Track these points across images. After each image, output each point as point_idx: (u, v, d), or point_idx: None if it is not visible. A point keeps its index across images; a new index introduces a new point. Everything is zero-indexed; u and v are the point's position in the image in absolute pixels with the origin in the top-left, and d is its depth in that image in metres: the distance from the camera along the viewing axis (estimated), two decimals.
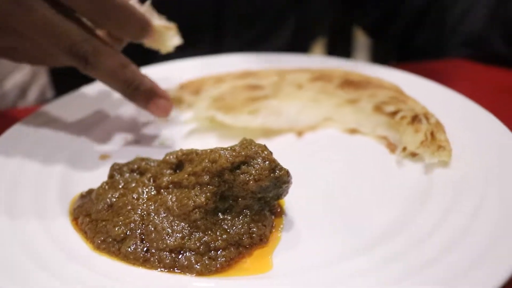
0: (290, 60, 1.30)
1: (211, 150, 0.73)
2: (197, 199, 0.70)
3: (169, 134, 1.05)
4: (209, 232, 0.70)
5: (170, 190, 0.73)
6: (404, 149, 0.90)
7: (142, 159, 0.83)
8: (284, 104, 1.09)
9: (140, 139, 1.04)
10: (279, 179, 0.71)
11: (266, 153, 0.72)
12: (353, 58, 2.53)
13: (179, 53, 1.26)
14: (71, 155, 0.94)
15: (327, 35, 2.38)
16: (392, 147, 0.95)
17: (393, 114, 1.00)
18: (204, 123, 1.04)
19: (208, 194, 0.70)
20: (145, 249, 0.68)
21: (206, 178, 0.71)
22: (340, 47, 2.23)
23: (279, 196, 0.74)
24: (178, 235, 0.68)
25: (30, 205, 0.78)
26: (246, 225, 0.71)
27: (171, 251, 0.67)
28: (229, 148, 0.73)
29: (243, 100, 1.10)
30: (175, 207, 0.70)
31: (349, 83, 1.14)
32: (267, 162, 0.71)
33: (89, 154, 0.97)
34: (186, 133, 1.04)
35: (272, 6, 1.59)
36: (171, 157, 0.77)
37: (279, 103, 1.10)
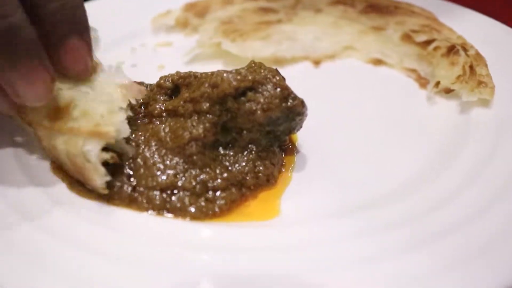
0: None
1: (212, 73, 0.62)
2: (194, 130, 0.59)
3: (169, 59, 0.93)
4: (207, 169, 0.59)
5: (163, 119, 0.63)
6: (437, 84, 0.78)
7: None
8: (299, 30, 0.96)
9: (137, 63, 0.92)
10: (292, 110, 0.60)
11: (277, 78, 0.60)
12: None
13: None
14: None
15: None
16: (422, 82, 0.83)
17: (425, 44, 0.87)
18: (209, 49, 0.91)
19: (207, 124, 0.60)
20: (130, 188, 0.58)
21: (205, 105, 0.60)
22: None
23: (291, 130, 0.63)
24: (171, 171, 0.58)
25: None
26: (251, 162, 0.61)
27: (162, 190, 0.57)
28: (233, 71, 0.61)
29: (254, 25, 0.97)
30: (168, 139, 0.60)
31: (374, 7, 1.00)
32: (278, 89, 0.59)
33: None
34: (188, 59, 0.91)
35: None
36: (166, 80, 0.66)
37: (294, 29, 0.97)
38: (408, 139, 0.70)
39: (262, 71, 0.61)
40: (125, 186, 0.57)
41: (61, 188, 0.60)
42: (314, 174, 0.63)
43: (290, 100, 0.60)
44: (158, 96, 0.65)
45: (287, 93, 0.59)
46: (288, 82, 0.63)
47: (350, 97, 0.80)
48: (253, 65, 0.62)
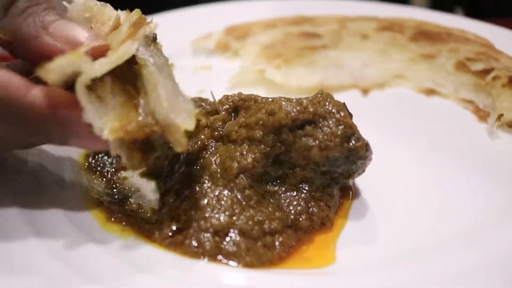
0: (351, 6, 1.11)
1: (273, 99, 0.57)
2: (243, 160, 0.55)
3: (210, 83, 0.89)
4: (260, 207, 0.54)
5: (216, 145, 0.58)
6: (500, 117, 0.73)
7: (199, 100, 0.68)
8: (346, 56, 0.92)
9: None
10: (353, 152, 0.54)
11: (342, 114, 0.55)
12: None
13: None
14: None
15: None
16: (481, 114, 0.77)
17: (482, 73, 0.82)
18: (252, 76, 0.88)
19: (257, 154, 0.55)
20: (176, 227, 0.53)
21: (258, 133, 0.55)
22: None
23: (351, 174, 0.58)
24: (225, 211, 0.53)
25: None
26: (303, 202, 0.56)
27: (215, 233, 0.52)
28: (295, 100, 0.56)
29: (297, 50, 0.93)
30: (218, 174, 0.55)
31: (425, 34, 0.95)
32: (341, 126, 0.54)
33: None
34: (230, 84, 0.88)
35: None
36: (229, 99, 0.61)
37: (340, 55, 0.93)
38: (470, 179, 0.64)
39: (327, 103, 0.56)
40: (170, 226, 0.53)
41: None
42: (371, 217, 0.58)
43: (353, 141, 0.54)
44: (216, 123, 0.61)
45: (350, 133, 0.54)
46: None
47: (403, 130, 0.75)
48: (319, 95, 0.57)
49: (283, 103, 0.55)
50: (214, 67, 0.96)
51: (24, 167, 0.64)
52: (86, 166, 0.66)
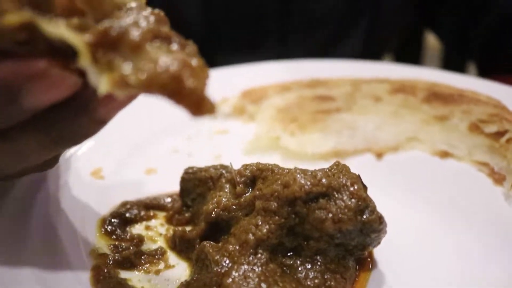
0: (364, 67, 1.14)
1: (289, 171, 0.59)
2: (257, 231, 0.56)
3: (226, 148, 0.92)
4: (284, 283, 0.54)
5: (232, 220, 0.59)
6: None
7: (221, 167, 0.70)
8: (359, 119, 0.94)
9: (192, 151, 0.91)
10: (367, 226, 0.55)
11: (356, 187, 0.56)
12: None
13: (241, 58, 1.14)
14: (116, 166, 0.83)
15: (396, 42, 2.18)
16: (497, 177, 0.77)
17: (496, 135, 0.82)
18: (267, 142, 0.90)
19: (272, 226, 0.56)
20: None
21: (273, 205, 0.56)
22: (408, 56, 2.02)
23: (366, 247, 0.58)
24: None
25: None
26: (319, 275, 0.56)
27: None
28: (309, 173, 0.58)
29: (312, 114, 0.96)
30: (237, 252, 0.55)
31: (437, 96, 0.97)
32: (354, 199, 0.55)
33: (132, 167, 0.85)
34: (246, 150, 0.89)
35: (341, 10, 1.43)
36: (247, 169, 0.63)
37: (353, 118, 0.95)
38: (490, 247, 0.63)
39: (341, 176, 0.57)
40: None
41: None
42: None
43: (366, 214, 0.55)
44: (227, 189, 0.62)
45: (364, 206, 0.55)
46: None
47: (419, 196, 0.74)
48: (335, 166, 0.59)
49: (298, 175, 0.57)
50: (231, 130, 0.98)
51: (40, 228, 0.66)
52: (102, 232, 0.68)
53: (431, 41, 2.35)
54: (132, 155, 0.89)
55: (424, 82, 1.03)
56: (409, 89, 1.00)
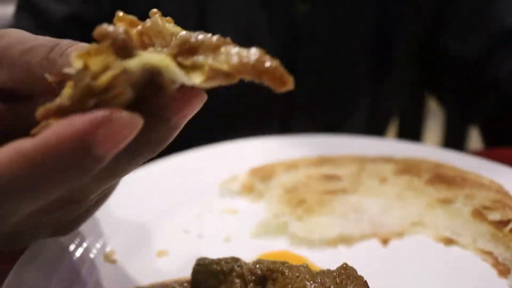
0: (370, 145, 1.18)
1: (298, 276, 0.61)
2: None
3: (235, 229, 0.94)
4: None
5: None
6: None
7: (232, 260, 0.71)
8: (365, 201, 0.97)
9: (202, 232, 0.93)
10: None
11: None
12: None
13: (246, 135, 1.18)
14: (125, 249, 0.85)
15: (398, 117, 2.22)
16: (501, 269, 0.78)
17: (500, 224, 0.84)
18: (276, 227, 0.92)
19: None
20: None
21: None
22: (410, 130, 2.06)
23: None
24: None
25: None
26: None
27: None
28: (318, 280, 0.60)
29: (318, 195, 0.98)
30: None
31: (441, 178, 1.00)
32: None
33: (143, 249, 0.87)
34: (255, 234, 0.92)
35: (345, 88, 1.49)
36: (258, 268, 0.65)
37: (359, 199, 0.97)
38: None
39: (349, 283, 0.59)
40: None
41: None
42: None
43: None
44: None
45: None
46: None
47: (422, 285, 0.76)
48: (342, 271, 0.61)
49: (307, 283, 0.59)
50: (239, 210, 1.00)
51: None
52: None
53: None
54: (143, 236, 0.91)
55: (428, 162, 1.06)
56: (414, 170, 1.03)
